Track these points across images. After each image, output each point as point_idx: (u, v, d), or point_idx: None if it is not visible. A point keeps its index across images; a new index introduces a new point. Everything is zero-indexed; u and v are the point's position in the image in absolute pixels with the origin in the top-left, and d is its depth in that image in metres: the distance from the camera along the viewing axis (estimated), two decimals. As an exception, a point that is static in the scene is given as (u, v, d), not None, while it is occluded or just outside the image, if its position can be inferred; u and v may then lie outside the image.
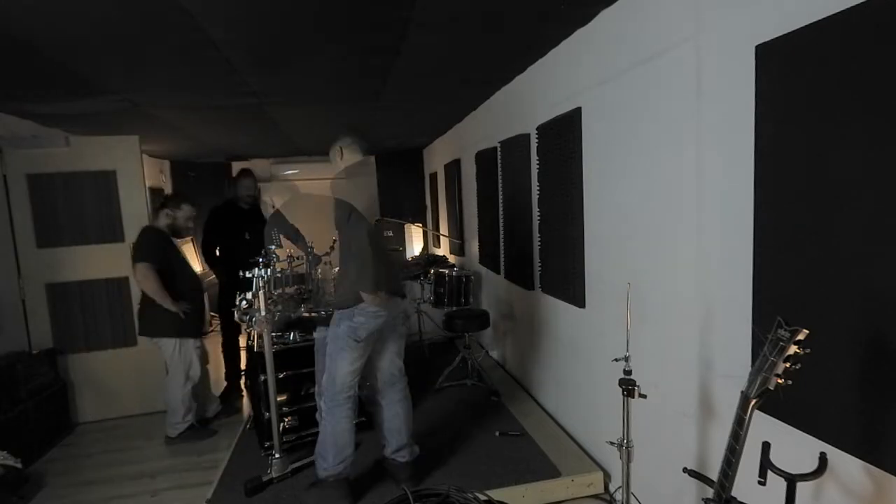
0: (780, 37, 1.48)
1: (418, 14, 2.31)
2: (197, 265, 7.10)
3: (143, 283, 3.38)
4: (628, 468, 1.98)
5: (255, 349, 3.25)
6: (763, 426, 1.46)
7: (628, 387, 1.88)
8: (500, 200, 4.12)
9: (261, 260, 2.85)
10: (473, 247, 5.29)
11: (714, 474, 1.41)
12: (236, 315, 2.89)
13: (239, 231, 4.15)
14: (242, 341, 4.34)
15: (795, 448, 1.46)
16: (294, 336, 3.20)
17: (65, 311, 3.98)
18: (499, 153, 4.07)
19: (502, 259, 4.24)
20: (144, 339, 3.68)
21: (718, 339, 1.86)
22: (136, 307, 3.71)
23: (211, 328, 6.85)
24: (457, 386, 4.01)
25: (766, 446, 1.32)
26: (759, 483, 1.31)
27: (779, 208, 1.53)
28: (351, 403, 2.56)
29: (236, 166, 7.62)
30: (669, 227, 2.11)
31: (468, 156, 5.12)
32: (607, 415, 2.64)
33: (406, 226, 7.38)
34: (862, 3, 1.25)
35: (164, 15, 2.14)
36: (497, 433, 3.18)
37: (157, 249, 3.46)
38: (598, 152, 2.65)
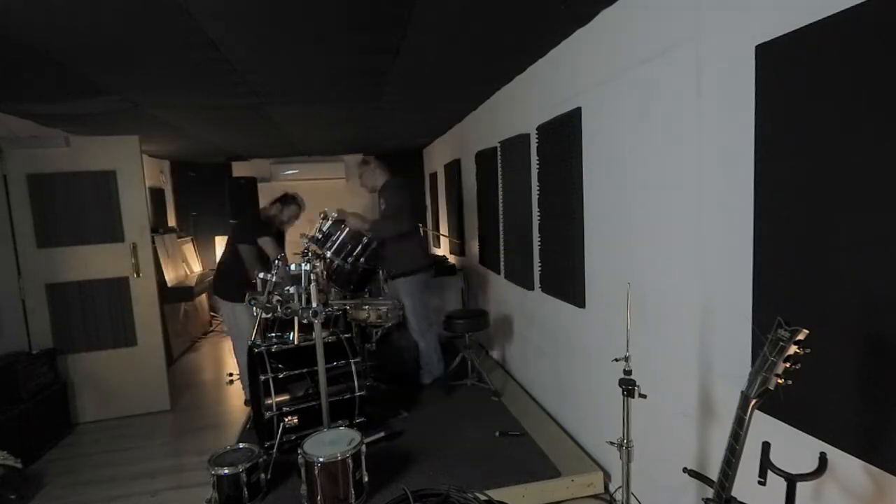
0: (780, 37, 1.48)
1: (418, 14, 2.31)
2: (197, 265, 7.11)
3: (248, 263, 3.78)
4: (628, 468, 1.97)
5: (255, 350, 3.25)
6: (763, 426, 1.46)
7: (628, 387, 1.88)
8: (500, 200, 4.12)
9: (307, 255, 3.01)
10: (473, 247, 5.29)
11: (714, 474, 1.41)
12: (280, 309, 3.00)
13: None
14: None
15: (795, 448, 1.46)
16: (294, 336, 3.20)
17: (65, 311, 3.98)
18: (499, 153, 4.07)
19: (502, 259, 4.24)
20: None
21: (718, 339, 1.86)
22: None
23: (211, 328, 6.86)
24: (457, 386, 4.01)
25: (766, 446, 1.32)
26: (759, 483, 1.31)
27: (779, 208, 1.53)
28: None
29: (236, 166, 7.64)
30: (669, 227, 2.11)
31: (468, 156, 5.12)
32: (607, 415, 2.64)
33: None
34: (862, 2, 1.25)
35: (164, 15, 2.14)
36: (497, 433, 3.18)
37: (258, 233, 3.89)
38: (598, 152, 2.65)
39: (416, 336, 3.97)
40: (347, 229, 3.84)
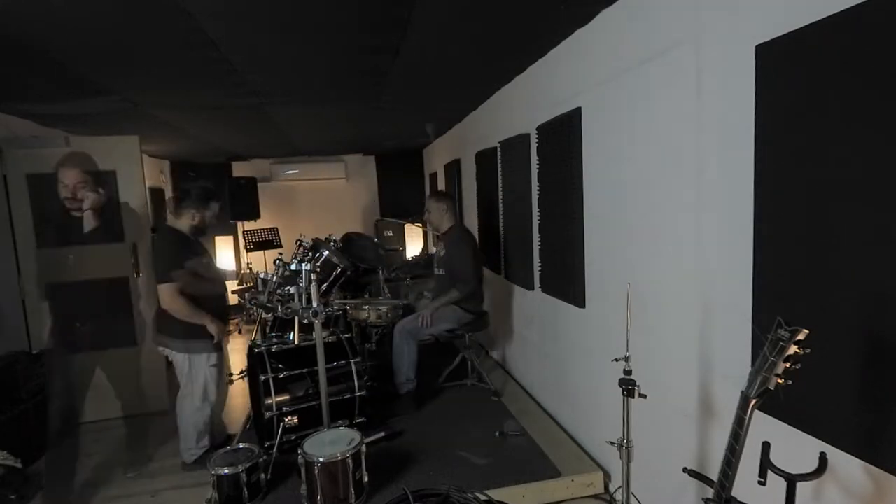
0: (780, 37, 1.48)
1: (418, 14, 2.31)
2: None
3: (171, 307, 2.93)
4: (628, 468, 1.97)
5: (255, 350, 3.25)
6: (763, 426, 1.46)
7: (628, 387, 1.88)
8: (500, 200, 4.12)
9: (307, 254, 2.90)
10: (473, 247, 5.29)
11: (714, 474, 1.41)
12: (280, 309, 2.92)
13: None
14: (240, 343, 4.34)
15: (795, 448, 1.46)
16: (294, 336, 3.20)
17: (65, 311, 3.97)
18: (499, 153, 4.07)
19: (503, 259, 4.24)
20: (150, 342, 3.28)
21: (718, 339, 1.86)
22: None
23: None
24: (457, 386, 4.01)
25: (766, 446, 1.32)
26: (759, 483, 1.31)
27: (779, 208, 1.53)
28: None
29: (236, 166, 7.64)
30: (669, 227, 2.11)
31: (468, 156, 5.12)
32: (607, 415, 2.64)
33: (406, 226, 7.39)
34: (862, 3, 1.25)
35: (164, 15, 2.14)
36: (497, 433, 3.18)
37: (180, 260, 2.96)
38: (598, 152, 2.65)
39: (403, 336, 3.74)
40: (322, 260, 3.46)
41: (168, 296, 2.91)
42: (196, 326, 3.00)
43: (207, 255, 3.27)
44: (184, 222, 3.07)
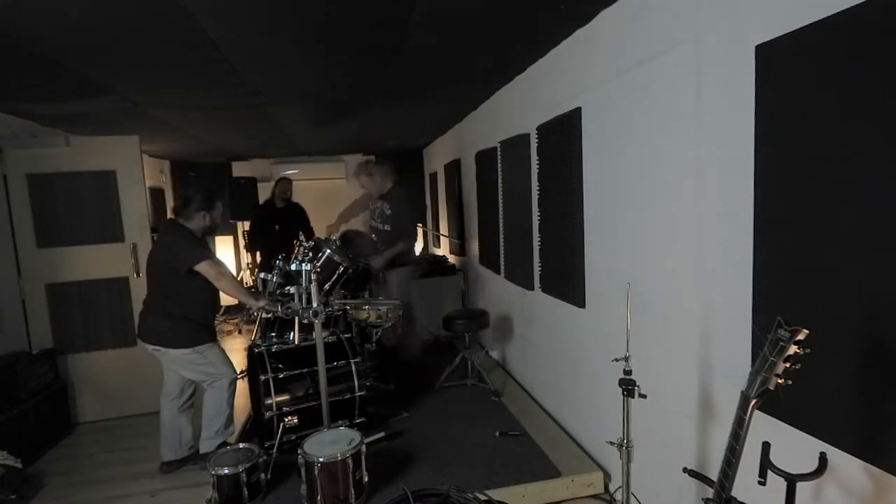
0: (780, 37, 1.48)
1: (418, 14, 2.31)
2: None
3: (221, 279, 3.02)
4: (628, 468, 1.97)
5: (255, 350, 3.25)
6: (763, 426, 1.46)
7: (628, 387, 1.88)
8: (500, 200, 4.12)
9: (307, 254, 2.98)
10: (473, 247, 5.29)
11: (714, 474, 1.41)
12: (280, 308, 2.96)
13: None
14: (240, 343, 4.33)
15: (795, 448, 1.46)
16: (294, 336, 3.20)
17: (65, 311, 3.98)
18: (499, 153, 4.07)
19: (502, 259, 4.24)
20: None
21: (718, 339, 1.86)
22: (136, 315, 3.44)
23: None
24: (457, 386, 4.01)
25: (766, 446, 1.32)
26: (759, 483, 1.31)
27: (779, 208, 1.53)
28: None
29: (236, 166, 7.64)
30: (669, 227, 2.11)
31: (468, 156, 5.12)
32: (607, 415, 2.64)
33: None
34: (862, 2, 1.25)
35: (164, 15, 2.14)
36: (497, 433, 3.18)
37: (204, 244, 3.13)
38: (598, 152, 2.65)
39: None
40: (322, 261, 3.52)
41: (213, 269, 2.99)
42: (193, 321, 3.06)
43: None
44: (195, 224, 3.09)
